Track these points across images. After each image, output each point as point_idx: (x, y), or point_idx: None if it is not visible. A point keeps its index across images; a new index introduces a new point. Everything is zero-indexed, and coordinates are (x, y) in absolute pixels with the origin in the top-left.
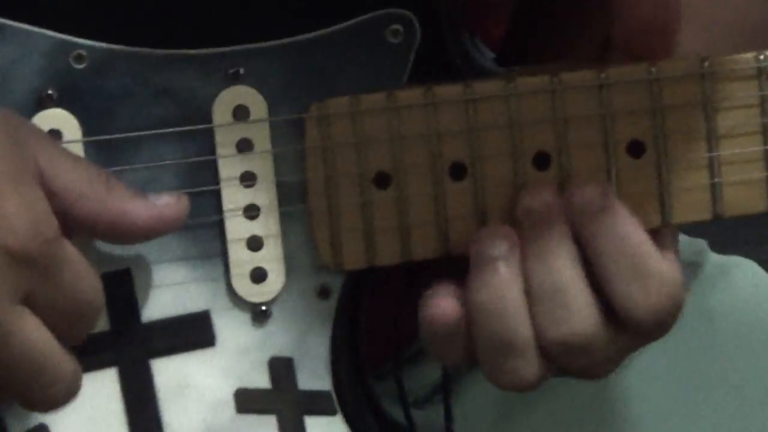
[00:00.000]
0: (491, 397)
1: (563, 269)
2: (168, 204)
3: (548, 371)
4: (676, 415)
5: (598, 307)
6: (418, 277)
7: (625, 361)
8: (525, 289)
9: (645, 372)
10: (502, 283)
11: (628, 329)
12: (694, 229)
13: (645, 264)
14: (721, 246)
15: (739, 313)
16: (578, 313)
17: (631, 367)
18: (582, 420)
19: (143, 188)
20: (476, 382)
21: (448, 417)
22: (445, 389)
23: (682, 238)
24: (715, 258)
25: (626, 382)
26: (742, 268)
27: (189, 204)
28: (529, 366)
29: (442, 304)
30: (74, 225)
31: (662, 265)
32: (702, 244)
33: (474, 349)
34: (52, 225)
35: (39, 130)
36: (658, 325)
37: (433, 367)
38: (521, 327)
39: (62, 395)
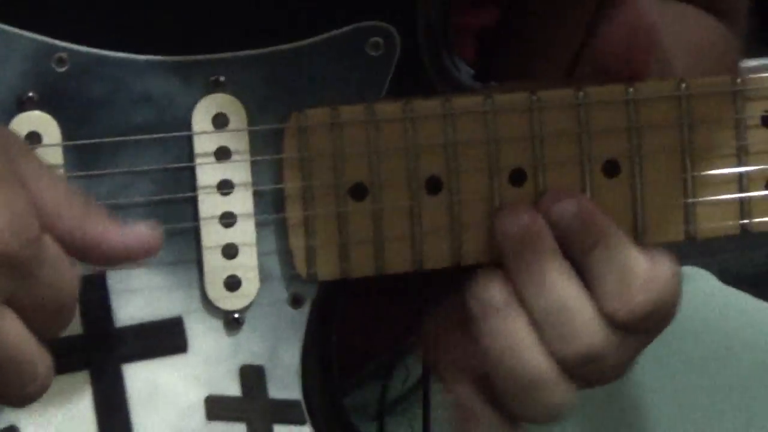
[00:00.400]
0: None
1: (560, 288)
2: (143, 235)
3: (573, 390)
4: (647, 407)
5: (600, 317)
6: (395, 288)
7: None
8: (529, 320)
9: None
10: (508, 326)
11: (629, 330)
12: None
13: (629, 266)
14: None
15: (694, 319)
16: (585, 326)
17: None
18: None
19: (120, 193)
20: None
21: (426, 426)
22: (425, 397)
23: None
24: None
25: None
26: (699, 277)
27: (162, 237)
28: (557, 393)
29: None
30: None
31: (646, 265)
32: None
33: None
34: (32, 225)
35: (24, 145)
36: (647, 326)
37: (394, 381)
38: (539, 360)
39: (36, 392)
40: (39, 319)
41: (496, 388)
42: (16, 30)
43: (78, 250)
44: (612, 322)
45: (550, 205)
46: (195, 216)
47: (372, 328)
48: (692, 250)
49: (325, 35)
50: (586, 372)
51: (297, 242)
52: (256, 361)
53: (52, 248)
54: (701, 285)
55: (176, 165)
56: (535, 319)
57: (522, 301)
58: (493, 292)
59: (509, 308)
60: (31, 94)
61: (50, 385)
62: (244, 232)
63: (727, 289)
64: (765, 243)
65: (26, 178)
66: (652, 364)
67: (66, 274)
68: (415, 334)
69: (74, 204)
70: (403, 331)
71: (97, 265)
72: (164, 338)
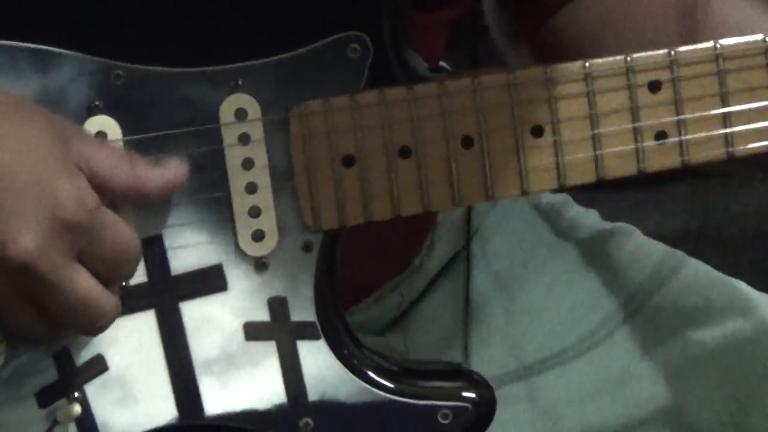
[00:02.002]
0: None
1: None
2: (173, 167)
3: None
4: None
5: None
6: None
7: None
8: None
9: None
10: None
11: None
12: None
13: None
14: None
15: (626, 265)
16: None
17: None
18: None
19: None
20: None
21: (467, 342)
22: (466, 314)
23: (661, 247)
24: (606, 225)
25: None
26: (628, 231)
27: (188, 166)
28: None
29: None
30: (113, 194)
31: None
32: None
33: None
34: (93, 197)
35: (81, 128)
36: None
37: (390, 306)
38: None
39: (106, 324)
40: (105, 271)
41: None
42: (83, 55)
43: (136, 190)
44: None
45: None
46: (227, 187)
47: (376, 263)
48: (620, 215)
49: (316, 44)
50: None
51: (304, 201)
52: (280, 294)
53: (110, 215)
54: (628, 237)
55: (210, 148)
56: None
57: None
58: None
59: None
60: (97, 102)
61: (115, 319)
62: (265, 197)
63: (650, 240)
64: (682, 210)
65: (84, 155)
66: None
67: (125, 236)
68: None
69: (122, 160)
70: (400, 266)
71: (154, 198)
72: (209, 281)
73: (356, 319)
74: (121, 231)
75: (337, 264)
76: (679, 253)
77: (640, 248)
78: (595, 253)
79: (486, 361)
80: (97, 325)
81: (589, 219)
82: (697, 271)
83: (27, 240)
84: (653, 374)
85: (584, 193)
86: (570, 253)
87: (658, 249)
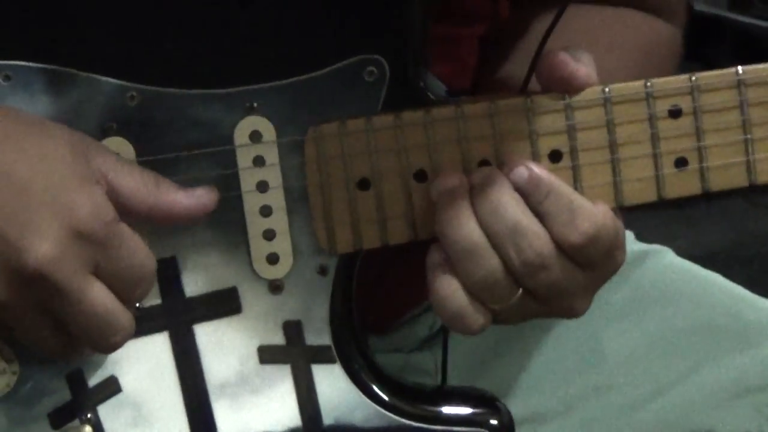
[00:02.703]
0: (472, 345)
1: (512, 208)
2: (202, 193)
3: (516, 286)
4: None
5: (549, 236)
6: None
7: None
8: (485, 228)
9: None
10: (455, 204)
11: (574, 258)
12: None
13: (575, 203)
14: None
15: (659, 286)
16: (535, 238)
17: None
18: (556, 359)
19: None
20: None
21: (444, 360)
22: (444, 339)
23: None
24: (640, 245)
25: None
26: (662, 253)
27: (217, 194)
28: (493, 260)
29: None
30: (136, 213)
31: (590, 205)
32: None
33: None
34: (109, 211)
35: (104, 147)
36: (595, 253)
37: (423, 326)
38: (478, 235)
39: (121, 340)
40: (120, 287)
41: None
42: (98, 76)
43: (160, 213)
44: (564, 246)
45: (509, 171)
46: (241, 209)
47: (407, 286)
48: (653, 235)
49: (332, 67)
50: (536, 281)
51: (319, 224)
52: (295, 317)
53: (127, 230)
54: (664, 258)
55: (225, 172)
56: (490, 233)
57: (481, 218)
58: (449, 179)
59: (462, 199)
60: (111, 123)
61: (131, 336)
62: (279, 220)
63: (683, 261)
64: (713, 230)
65: (104, 171)
66: (629, 320)
67: (139, 250)
68: None
69: (148, 180)
70: None
71: (178, 223)
72: (223, 303)
73: (386, 340)
74: (137, 248)
75: (354, 287)
76: (712, 273)
77: (673, 269)
78: (630, 274)
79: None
80: (112, 341)
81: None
82: (729, 292)
83: (43, 249)
84: (685, 397)
85: None
86: None
87: (691, 270)
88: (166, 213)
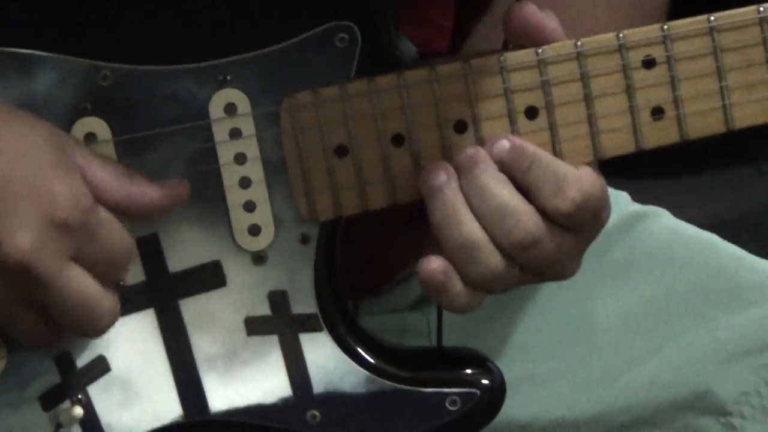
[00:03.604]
0: None
1: (498, 189)
2: (174, 187)
3: (512, 267)
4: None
5: (536, 213)
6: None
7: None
8: (474, 211)
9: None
10: (449, 201)
11: (564, 225)
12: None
13: (560, 172)
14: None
15: (655, 248)
16: (523, 216)
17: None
18: (550, 321)
19: (161, 173)
20: None
21: (439, 322)
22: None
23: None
24: (636, 207)
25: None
26: (657, 214)
27: (189, 188)
28: (493, 257)
29: (430, 264)
30: (107, 208)
31: (569, 169)
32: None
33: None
34: (88, 197)
35: (79, 141)
36: (584, 217)
37: (416, 286)
38: (476, 230)
39: (106, 324)
40: (101, 270)
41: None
42: (69, 57)
43: (132, 206)
44: (554, 216)
45: (491, 146)
46: (220, 183)
47: (398, 248)
48: (660, 205)
49: (303, 35)
50: (527, 257)
51: (299, 193)
52: (280, 287)
53: (104, 215)
54: (660, 219)
55: (202, 146)
56: (479, 214)
57: (468, 199)
58: (437, 174)
59: (450, 189)
60: (85, 104)
61: (116, 319)
62: (259, 191)
63: (679, 222)
64: (721, 199)
65: (79, 164)
66: (625, 284)
67: (119, 235)
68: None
69: (120, 174)
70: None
71: (149, 217)
72: (207, 277)
73: (380, 302)
74: (115, 230)
75: (338, 254)
76: (709, 234)
77: (669, 230)
78: (625, 235)
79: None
80: (97, 325)
81: (619, 200)
82: (727, 253)
83: (23, 239)
84: (681, 357)
85: (621, 182)
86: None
87: (688, 230)
88: (137, 205)
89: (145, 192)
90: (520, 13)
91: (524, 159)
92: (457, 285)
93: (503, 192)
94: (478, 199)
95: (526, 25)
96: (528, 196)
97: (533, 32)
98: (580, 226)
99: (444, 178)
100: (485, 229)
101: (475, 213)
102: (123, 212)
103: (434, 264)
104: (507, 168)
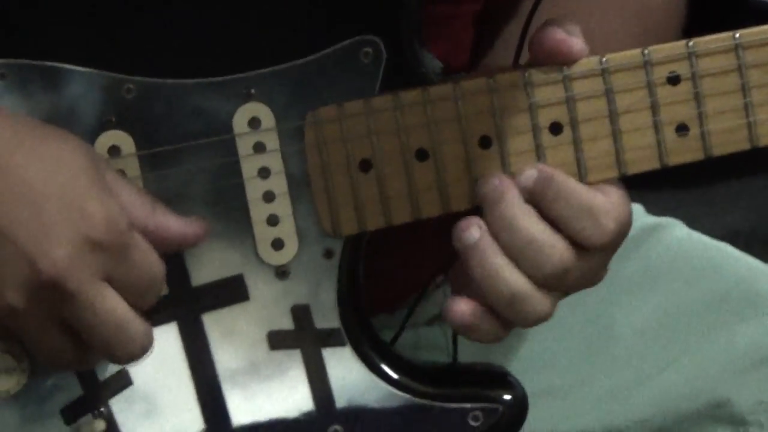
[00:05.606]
0: None
1: (527, 223)
2: (193, 222)
3: (555, 300)
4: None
5: (565, 242)
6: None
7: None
8: (506, 253)
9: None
10: (487, 259)
11: (594, 251)
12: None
13: (594, 203)
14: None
15: (670, 259)
16: (555, 250)
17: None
18: (569, 333)
19: (185, 187)
20: None
21: (455, 337)
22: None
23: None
24: (650, 219)
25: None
26: (672, 225)
27: (209, 227)
28: (539, 302)
29: (459, 307)
30: None
31: (601, 199)
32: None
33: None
34: (123, 220)
35: (107, 161)
36: (615, 242)
37: (433, 303)
38: (516, 278)
39: (138, 350)
40: (133, 294)
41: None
42: (95, 70)
43: (155, 238)
44: (589, 247)
45: (519, 175)
46: (244, 196)
47: (417, 264)
48: (671, 214)
49: (328, 50)
50: (563, 284)
51: (322, 208)
52: (303, 301)
53: (138, 238)
54: (674, 231)
55: (225, 160)
56: (510, 252)
57: (498, 239)
58: (469, 232)
59: (484, 245)
60: (110, 117)
61: (151, 345)
62: (282, 205)
63: (693, 233)
64: (735, 210)
65: (112, 186)
66: (639, 294)
67: (151, 259)
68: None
69: (145, 201)
70: (442, 265)
71: (166, 249)
72: (230, 291)
73: (394, 318)
74: (148, 255)
75: (361, 269)
76: (722, 244)
77: (684, 241)
78: (640, 247)
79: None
80: (128, 348)
81: (634, 212)
82: (741, 262)
83: (57, 256)
84: (698, 367)
85: (634, 193)
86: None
87: (702, 241)
88: (156, 237)
89: (167, 223)
90: (546, 37)
91: (553, 189)
92: (487, 323)
93: (532, 226)
94: (507, 234)
95: (558, 51)
96: (557, 224)
97: (560, 56)
98: (613, 248)
99: (477, 235)
100: (515, 261)
101: (504, 246)
102: (149, 241)
103: (463, 306)
104: (535, 197)
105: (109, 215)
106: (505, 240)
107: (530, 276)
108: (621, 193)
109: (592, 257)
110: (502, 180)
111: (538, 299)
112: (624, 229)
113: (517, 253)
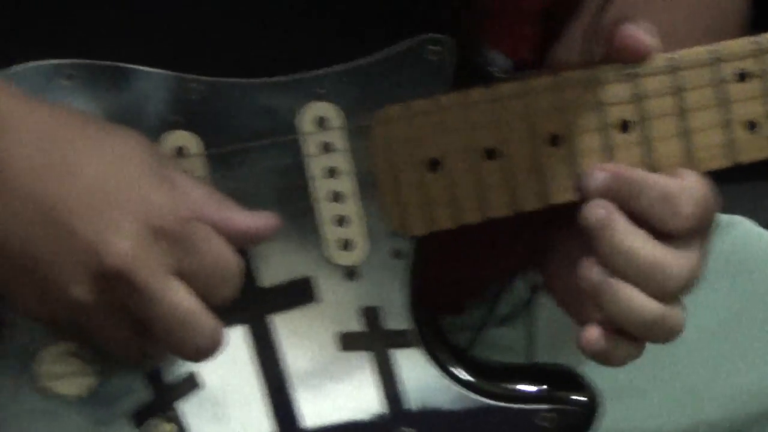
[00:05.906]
0: (554, 320)
1: (639, 249)
2: (262, 216)
3: (682, 307)
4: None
5: (676, 253)
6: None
7: None
8: (618, 272)
9: None
10: (614, 292)
11: (688, 236)
12: None
13: (668, 190)
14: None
15: (735, 258)
16: (673, 269)
17: None
18: None
19: (251, 187)
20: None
21: (531, 338)
22: (531, 317)
23: None
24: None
25: None
26: (738, 222)
27: (278, 220)
28: (676, 316)
29: (592, 335)
30: None
31: (678, 182)
32: None
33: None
34: (186, 208)
35: (174, 159)
36: (703, 225)
37: (504, 303)
38: (651, 305)
39: (206, 346)
40: (204, 289)
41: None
42: (158, 70)
43: (223, 232)
44: (675, 237)
45: (589, 177)
46: (311, 196)
47: (483, 266)
48: (734, 206)
49: (394, 48)
50: (681, 293)
51: (391, 207)
52: (372, 303)
53: (204, 228)
54: (742, 228)
55: (293, 159)
56: (632, 280)
57: (616, 272)
58: (592, 275)
59: (608, 283)
60: (176, 117)
61: (221, 343)
62: (352, 205)
63: (761, 230)
64: None
65: (176, 181)
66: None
67: (221, 249)
68: (523, 266)
69: (213, 195)
70: (515, 263)
71: (235, 244)
72: (299, 292)
73: (463, 319)
74: (219, 247)
75: (432, 270)
76: None
77: (751, 237)
78: None
79: None
80: (196, 343)
81: None
82: None
83: (123, 247)
84: (757, 371)
85: None
86: None
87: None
88: (226, 231)
89: (235, 218)
90: (618, 33)
91: (630, 186)
92: (623, 346)
93: (645, 247)
94: (622, 262)
95: (630, 47)
96: (640, 221)
97: (634, 54)
98: (702, 232)
99: (599, 274)
100: (633, 282)
101: (621, 275)
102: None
103: (595, 334)
104: (614, 198)
105: (174, 204)
106: (621, 267)
107: (656, 297)
108: (694, 174)
109: (691, 255)
110: (606, 207)
111: (667, 327)
112: (705, 211)
113: (636, 278)
